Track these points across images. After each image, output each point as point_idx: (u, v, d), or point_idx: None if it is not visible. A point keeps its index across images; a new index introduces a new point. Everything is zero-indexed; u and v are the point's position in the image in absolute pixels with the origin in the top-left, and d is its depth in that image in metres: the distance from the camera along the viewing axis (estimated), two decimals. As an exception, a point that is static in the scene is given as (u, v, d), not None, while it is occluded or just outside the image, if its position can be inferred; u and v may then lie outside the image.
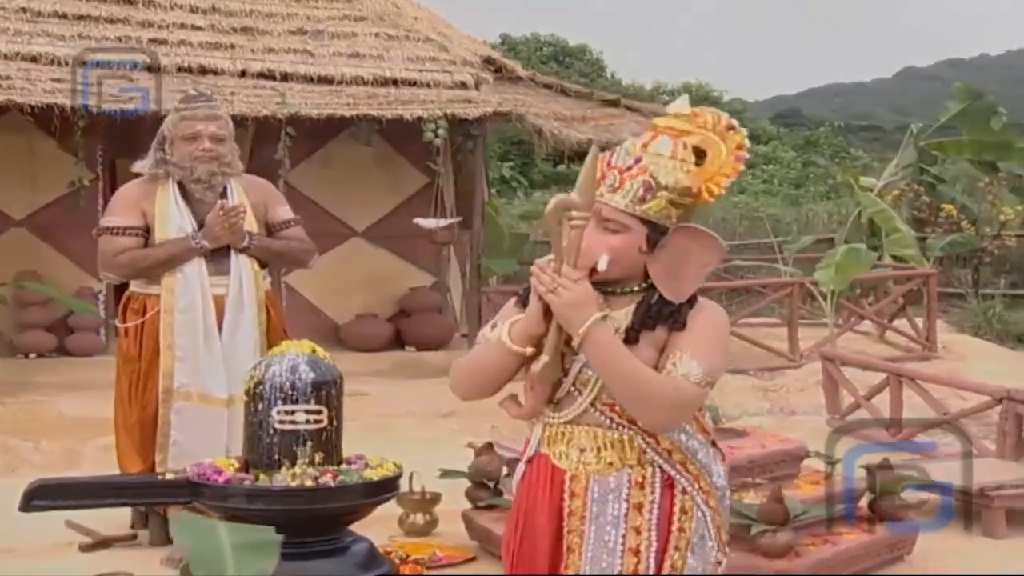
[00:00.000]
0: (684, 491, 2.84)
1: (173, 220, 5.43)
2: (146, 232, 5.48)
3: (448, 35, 11.86)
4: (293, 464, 4.75)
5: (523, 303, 2.89)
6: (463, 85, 10.84)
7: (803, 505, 4.84)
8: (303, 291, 11.39)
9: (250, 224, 5.50)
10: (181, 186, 5.48)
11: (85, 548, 5.67)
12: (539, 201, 22.62)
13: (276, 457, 4.75)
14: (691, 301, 2.83)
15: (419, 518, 5.78)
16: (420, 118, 10.02)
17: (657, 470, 2.84)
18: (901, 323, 12.48)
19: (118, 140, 11.21)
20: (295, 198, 11.16)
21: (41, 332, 10.50)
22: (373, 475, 4.85)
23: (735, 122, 2.86)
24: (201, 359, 5.38)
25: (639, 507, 2.82)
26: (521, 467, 3.03)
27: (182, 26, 10.87)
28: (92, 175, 10.78)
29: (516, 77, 11.54)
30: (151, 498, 5.05)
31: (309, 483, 4.68)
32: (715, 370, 2.77)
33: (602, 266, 2.76)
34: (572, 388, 2.86)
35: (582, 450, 2.87)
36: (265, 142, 11.07)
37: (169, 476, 4.89)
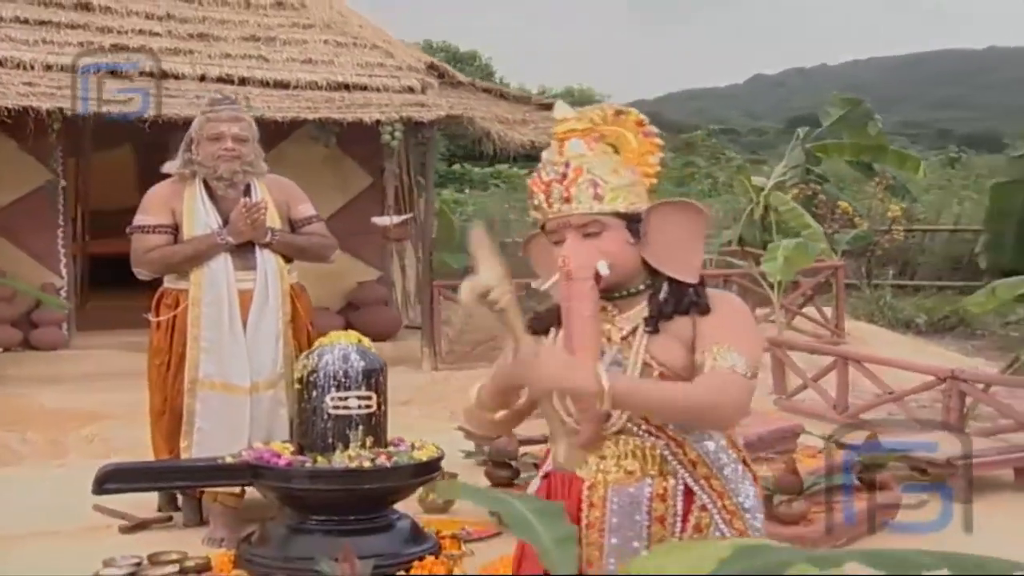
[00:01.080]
0: (703, 508, 2.60)
1: (199, 217, 5.51)
2: (175, 229, 5.57)
3: (391, 43, 11.99)
4: (346, 447, 4.95)
5: (534, 331, 2.63)
6: (411, 90, 11.00)
7: (811, 477, 5.15)
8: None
9: (273, 220, 5.60)
10: (207, 185, 5.57)
11: (125, 530, 5.75)
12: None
13: (330, 440, 4.95)
14: (701, 284, 2.62)
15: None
16: (378, 121, 10.16)
17: (680, 482, 2.60)
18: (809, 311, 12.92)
19: (77, 141, 11.22)
20: (248, 197, 11.34)
21: (7, 327, 10.38)
22: (421, 456, 5.05)
23: (620, 106, 2.70)
24: (225, 350, 5.47)
25: (662, 520, 2.59)
26: (536, 481, 2.80)
27: (140, 32, 10.83)
28: (52, 175, 10.67)
29: (457, 82, 11.71)
30: (213, 480, 5.17)
31: (367, 464, 4.88)
32: (757, 358, 2.55)
33: (604, 270, 2.54)
34: None
35: (602, 457, 2.62)
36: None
37: (229, 460, 5.02)
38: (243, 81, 10.59)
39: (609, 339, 2.60)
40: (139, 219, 5.63)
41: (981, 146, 44.80)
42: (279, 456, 4.96)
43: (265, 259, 5.59)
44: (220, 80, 10.52)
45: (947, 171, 26.46)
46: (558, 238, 2.59)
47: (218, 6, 11.67)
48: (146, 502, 6.05)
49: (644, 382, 2.53)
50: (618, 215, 2.57)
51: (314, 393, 4.97)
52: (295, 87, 10.71)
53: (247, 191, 5.60)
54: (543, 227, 2.65)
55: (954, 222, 18.15)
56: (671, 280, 2.60)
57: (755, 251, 17.27)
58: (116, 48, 10.43)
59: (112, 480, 4.84)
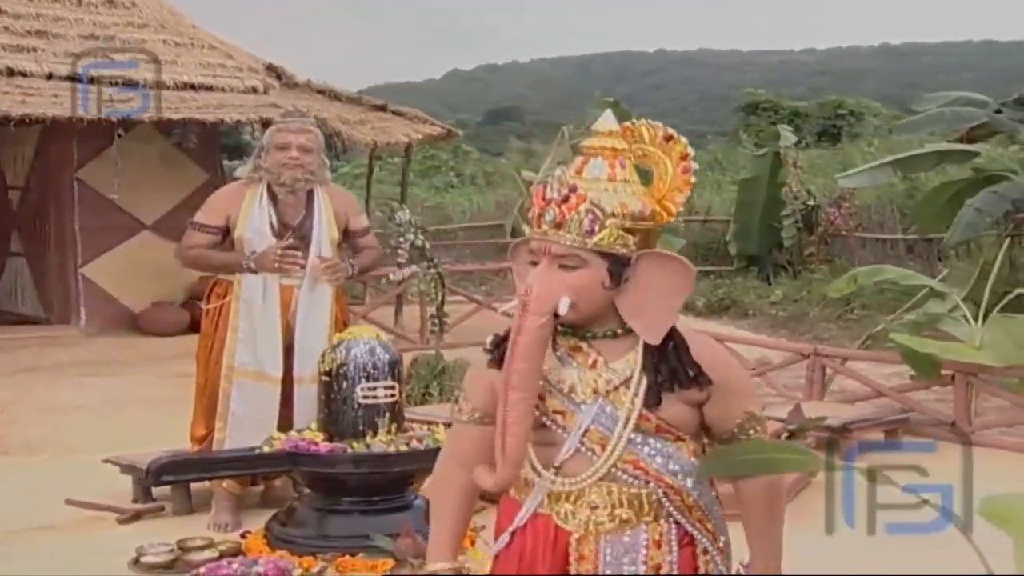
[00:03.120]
0: (705, 551, 2.45)
1: (252, 220, 5.66)
2: (224, 232, 5.74)
3: (225, 43, 11.93)
4: (375, 434, 5.20)
5: (498, 364, 2.41)
6: (254, 90, 11.03)
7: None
8: (99, 281, 11.24)
9: (331, 231, 5.80)
10: (271, 190, 5.72)
11: (123, 521, 5.76)
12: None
13: (361, 428, 5.19)
14: (678, 337, 2.42)
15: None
16: (239, 121, 10.17)
17: (674, 526, 2.41)
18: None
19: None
20: (86, 195, 11.09)
21: None
22: (442, 438, 5.33)
23: (672, 131, 2.48)
24: (260, 342, 5.66)
25: (657, 568, 2.40)
26: (505, 538, 2.53)
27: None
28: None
29: (295, 83, 11.77)
30: (255, 469, 5.30)
31: (404, 448, 5.13)
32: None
33: (563, 310, 2.32)
34: (581, 447, 2.41)
35: (593, 508, 2.40)
36: (53, 141, 10.86)
37: (267, 450, 5.17)
38: (92, 80, 10.36)
39: (596, 391, 2.39)
40: (197, 215, 5.89)
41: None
42: (317, 444, 5.15)
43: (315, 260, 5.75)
44: (69, 79, 10.27)
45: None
46: (535, 259, 2.40)
47: (50, 2, 11.31)
48: (121, 493, 6.08)
49: (761, 553, 2.50)
50: (603, 255, 2.35)
51: (344, 384, 5.17)
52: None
53: (310, 198, 5.76)
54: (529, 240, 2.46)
55: (706, 212, 19.39)
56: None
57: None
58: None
59: (167, 472, 4.92)
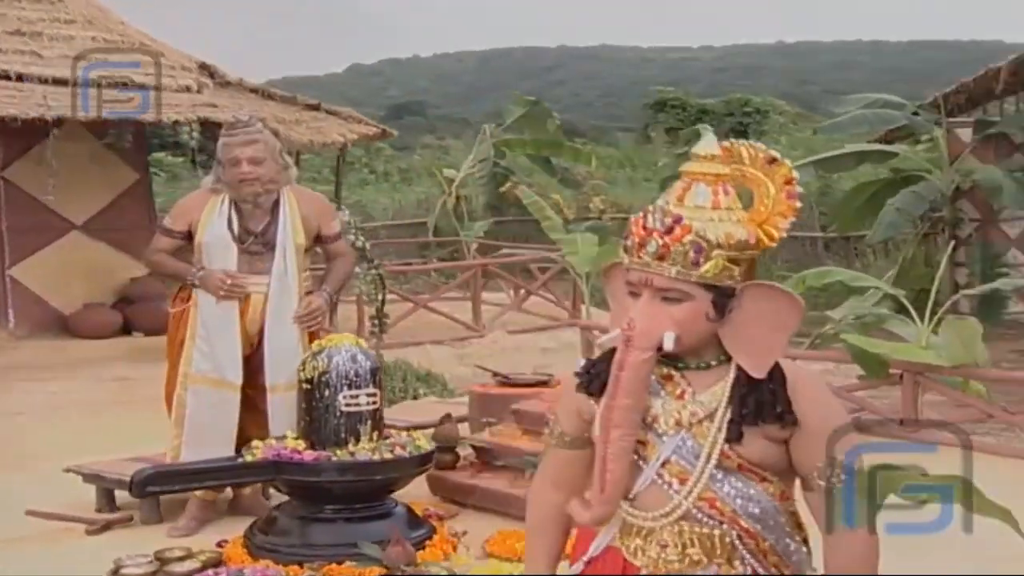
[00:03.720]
0: None
1: (212, 227, 5.56)
2: (187, 237, 5.65)
3: (156, 41, 11.73)
4: (358, 441, 5.17)
5: (587, 389, 2.41)
6: (188, 89, 10.86)
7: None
8: (27, 283, 11.01)
9: (297, 236, 5.62)
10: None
11: (92, 532, 5.64)
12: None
13: (343, 435, 5.16)
14: (778, 372, 2.32)
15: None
16: (176, 122, 10.01)
17: (748, 567, 2.33)
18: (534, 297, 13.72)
19: None
20: (14, 195, 10.85)
21: None
22: (425, 446, 5.35)
23: (776, 154, 2.38)
24: (217, 348, 5.56)
25: None
26: (579, 567, 2.46)
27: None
28: None
29: (227, 83, 11.62)
30: (239, 478, 5.25)
31: (388, 455, 5.13)
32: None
33: (668, 345, 2.25)
34: (658, 479, 2.34)
35: (663, 546, 2.33)
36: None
37: (249, 459, 5.13)
38: (20, 77, 10.13)
39: (679, 423, 2.32)
40: (165, 219, 5.86)
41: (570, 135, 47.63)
42: (301, 452, 5.11)
43: (285, 267, 5.61)
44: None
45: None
46: (635, 290, 2.32)
47: (-28, -3, 11.03)
48: (83, 503, 5.97)
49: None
50: (708, 286, 2.27)
51: (327, 392, 5.13)
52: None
53: (275, 203, 5.61)
54: (626, 269, 2.35)
55: (627, 210, 19.53)
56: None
57: (450, 239, 18.03)
58: None
59: (153, 483, 4.85)
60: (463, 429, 6.48)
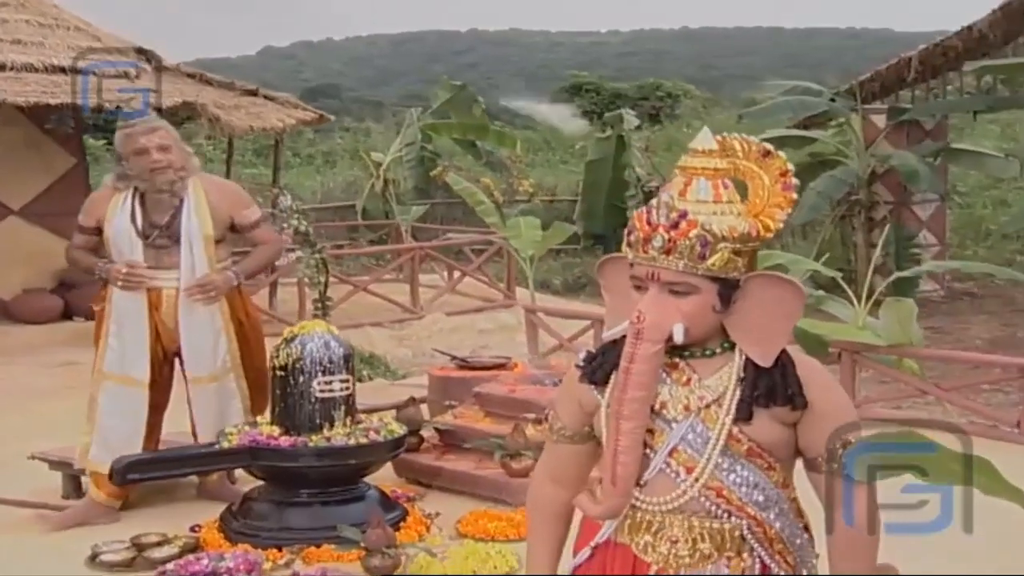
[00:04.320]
0: None
1: (114, 221, 5.37)
2: (98, 232, 5.48)
3: (91, 25, 11.47)
4: (332, 426, 5.16)
5: (591, 380, 2.39)
6: (125, 75, 10.64)
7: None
8: (-33, 270, 10.71)
9: (205, 227, 5.40)
10: (139, 192, 5.39)
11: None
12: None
13: (318, 421, 5.15)
14: (788, 361, 2.32)
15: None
16: (118, 107, 9.77)
17: (756, 560, 2.32)
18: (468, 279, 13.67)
19: None
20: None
21: None
22: (398, 430, 5.35)
23: (770, 147, 2.36)
24: (126, 345, 5.40)
25: None
26: (586, 552, 2.43)
27: None
28: None
29: (164, 67, 11.39)
30: (217, 465, 5.23)
31: (363, 440, 5.12)
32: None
33: (678, 337, 2.25)
34: (666, 467, 2.32)
35: (674, 542, 2.31)
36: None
37: (226, 445, 5.09)
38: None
39: (687, 407, 2.31)
40: (80, 216, 5.62)
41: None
42: (277, 438, 5.08)
43: (193, 260, 5.39)
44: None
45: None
46: (640, 284, 2.31)
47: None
48: (47, 490, 5.87)
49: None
50: (714, 279, 2.27)
51: (300, 379, 5.10)
52: (10, 69, 10.09)
53: (180, 200, 5.38)
54: (631, 263, 2.34)
55: (552, 192, 19.63)
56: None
57: (381, 222, 17.92)
58: None
59: (133, 471, 4.80)
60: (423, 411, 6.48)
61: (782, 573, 2.34)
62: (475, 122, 18.62)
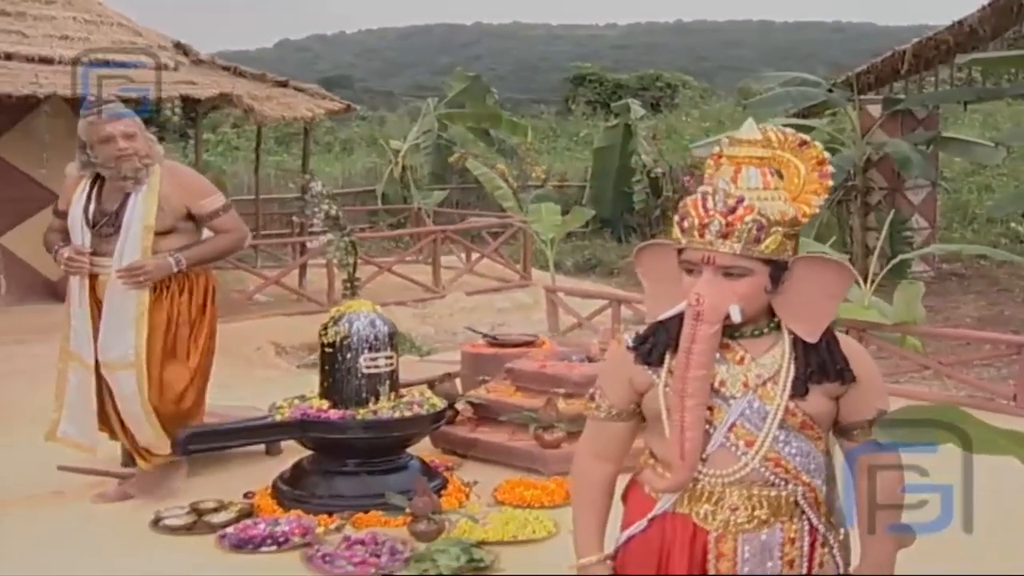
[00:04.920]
0: (824, 544, 2.39)
1: (73, 208, 5.19)
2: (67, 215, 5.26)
3: (132, 21, 11.45)
4: (377, 400, 5.18)
5: (645, 360, 2.41)
6: (165, 67, 10.63)
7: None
8: (17, 251, 10.75)
9: (147, 216, 5.08)
10: (97, 177, 5.17)
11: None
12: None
13: (364, 395, 5.18)
14: (833, 339, 2.38)
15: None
16: (159, 98, 9.80)
17: (806, 523, 2.36)
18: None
19: None
20: (2, 167, 10.55)
21: None
22: (438, 404, 5.38)
23: (806, 138, 2.38)
24: (77, 327, 5.23)
25: (791, 563, 2.36)
26: (643, 523, 2.44)
27: None
28: None
29: (200, 61, 11.39)
30: (269, 436, 5.28)
31: (407, 413, 5.15)
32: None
33: (736, 317, 2.28)
34: (726, 442, 2.34)
35: (733, 509, 2.34)
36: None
37: (278, 418, 5.12)
38: (8, 56, 9.85)
39: (746, 384, 2.34)
40: (58, 200, 5.45)
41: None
42: (326, 411, 5.11)
43: (124, 248, 5.08)
44: (-14, 56, 9.75)
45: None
46: (693, 268, 2.32)
47: (-46, -25, 10.68)
48: (108, 459, 5.89)
49: (871, 552, 2.44)
50: (766, 261, 2.29)
51: (348, 355, 5.14)
52: (57, 62, 10.09)
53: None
54: (680, 249, 2.35)
55: (560, 178, 19.62)
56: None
57: (399, 207, 17.92)
58: None
59: (194, 442, 4.83)
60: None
61: (829, 535, 2.39)
62: (489, 111, 18.62)
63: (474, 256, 13.43)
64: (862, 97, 13.63)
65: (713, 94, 33.20)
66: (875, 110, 13.47)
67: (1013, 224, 15.87)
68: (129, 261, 5.06)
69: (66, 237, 5.27)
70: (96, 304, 5.16)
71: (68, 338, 5.27)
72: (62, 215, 5.30)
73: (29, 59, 9.93)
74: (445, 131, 18.72)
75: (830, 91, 13.51)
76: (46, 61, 10.01)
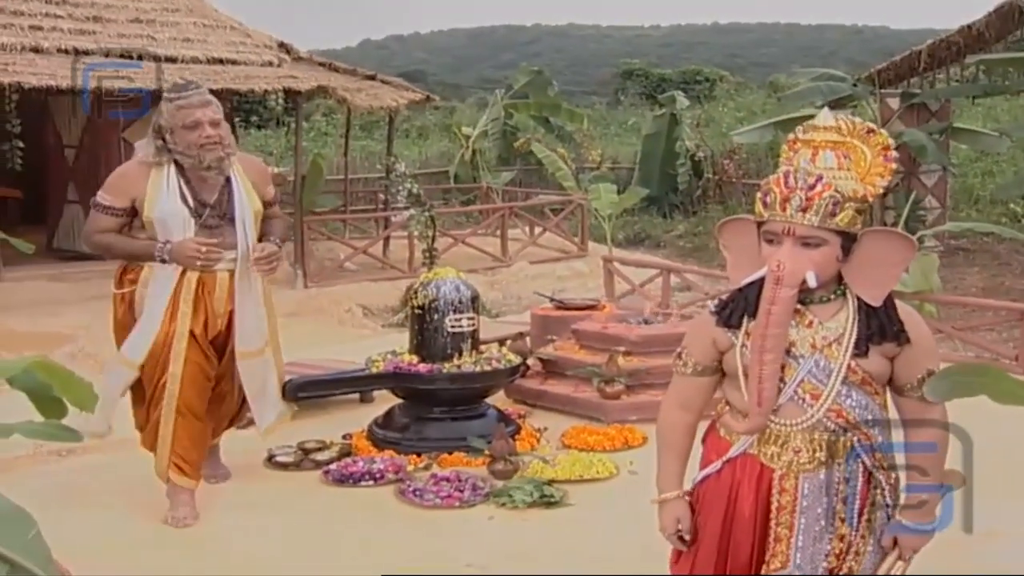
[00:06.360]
0: (877, 486, 2.40)
1: (162, 202, 4.23)
2: (131, 213, 4.29)
3: (243, 24, 11.51)
4: (461, 356, 5.18)
5: (726, 323, 2.42)
6: (271, 64, 10.69)
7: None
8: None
9: (254, 203, 4.40)
10: (179, 167, 4.27)
11: (242, 426, 5.50)
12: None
13: (448, 351, 5.17)
14: (892, 304, 2.37)
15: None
16: (266, 91, 9.86)
17: (860, 464, 2.37)
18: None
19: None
20: (131, 151, 10.64)
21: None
22: (514, 360, 5.37)
23: (873, 126, 2.36)
24: (143, 327, 4.32)
25: (844, 500, 2.38)
26: (717, 465, 2.47)
27: (47, 15, 9.88)
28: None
29: (299, 57, 11.43)
30: (368, 386, 5.30)
31: (487, 367, 5.15)
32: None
33: (812, 282, 2.28)
34: (795, 395, 2.36)
35: (797, 451, 2.37)
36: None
37: (374, 370, 5.15)
38: (140, 56, 9.94)
39: (813, 345, 2.35)
40: (100, 196, 4.32)
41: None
42: (416, 365, 5.13)
43: (247, 238, 4.36)
44: (122, 56, 9.84)
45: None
46: (774, 239, 2.32)
47: (100, -9, 10.79)
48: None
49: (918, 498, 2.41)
50: (839, 233, 2.29)
51: (435, 316, 5.14)
52: (181, 61, 10.17)
53: (228, 178, 4.35)
54: (760, 223, 2.36)
55: (613, 161, 19.48)
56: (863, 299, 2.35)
57: (469, 186, 17.89)
58: (33, 29, 9.52)
59: (301, 390, 4.85)
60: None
61: (880, 476, 2.40)
62: (550, 101, 18.49)
63: (537, 230, 13.38)
64: (883, 91, 13.39)
65: (746, 87, 32.72)
66: (894, 103, 13.21)
67: (1012, 205, 15.57)
68: (246, 250, 4.35)
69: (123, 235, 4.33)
70: (206, 297, 4.31)
71: (127, 346, 4.33)
72: (120, 212, 4.26)
73: (156, 58, 10.00)
74: (510, 119, 18.62)
75: (855, 85, 13.27)
76: (171, 60, 10.08)
